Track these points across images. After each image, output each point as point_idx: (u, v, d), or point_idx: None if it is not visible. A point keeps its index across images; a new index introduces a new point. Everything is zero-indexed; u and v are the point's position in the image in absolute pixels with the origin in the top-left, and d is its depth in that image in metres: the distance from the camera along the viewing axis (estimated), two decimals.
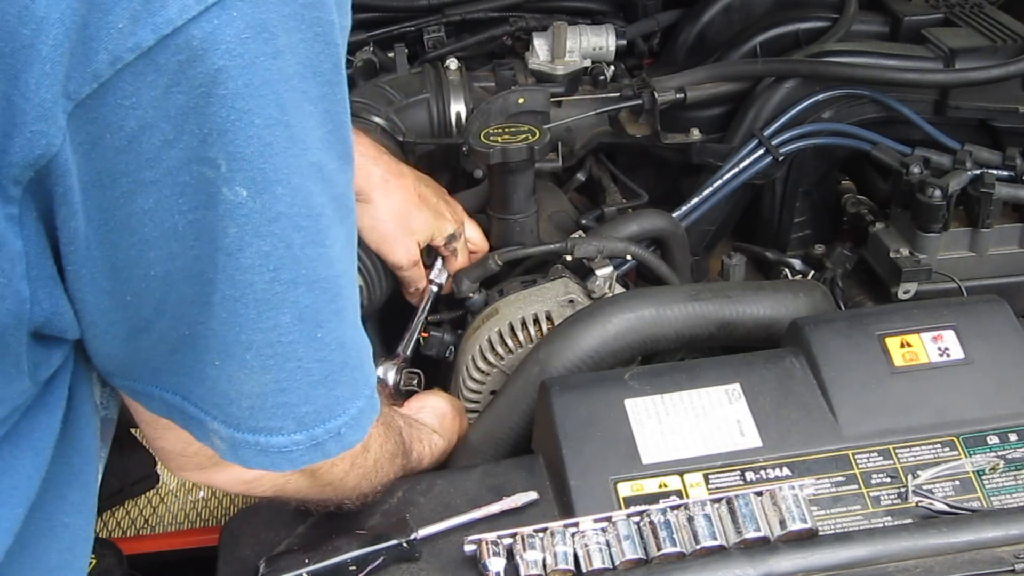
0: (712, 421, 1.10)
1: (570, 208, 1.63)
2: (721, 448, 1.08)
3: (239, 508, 1.27)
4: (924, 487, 1.04)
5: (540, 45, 1.72)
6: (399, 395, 1.35)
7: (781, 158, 1.55)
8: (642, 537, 0.96)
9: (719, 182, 1.56)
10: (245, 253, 0.69)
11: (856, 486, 1.06)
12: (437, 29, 1.84)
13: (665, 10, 1.89)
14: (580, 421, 1.09)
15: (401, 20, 1.85)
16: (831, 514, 1.04)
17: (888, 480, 1.06)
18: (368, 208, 1.31)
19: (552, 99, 1.64)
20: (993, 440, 1.09)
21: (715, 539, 0.96)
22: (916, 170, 1.46)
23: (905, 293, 1.44)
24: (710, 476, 1.06)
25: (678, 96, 1.61)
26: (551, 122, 1.60)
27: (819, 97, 1.57)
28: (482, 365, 1.33)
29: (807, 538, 0.96)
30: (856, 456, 1.08)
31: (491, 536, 0.97)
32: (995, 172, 1.46)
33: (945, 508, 1.02)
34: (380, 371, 1.34)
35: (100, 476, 0.95)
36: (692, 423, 1.09)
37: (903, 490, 1.05)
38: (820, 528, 0.98)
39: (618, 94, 1.68)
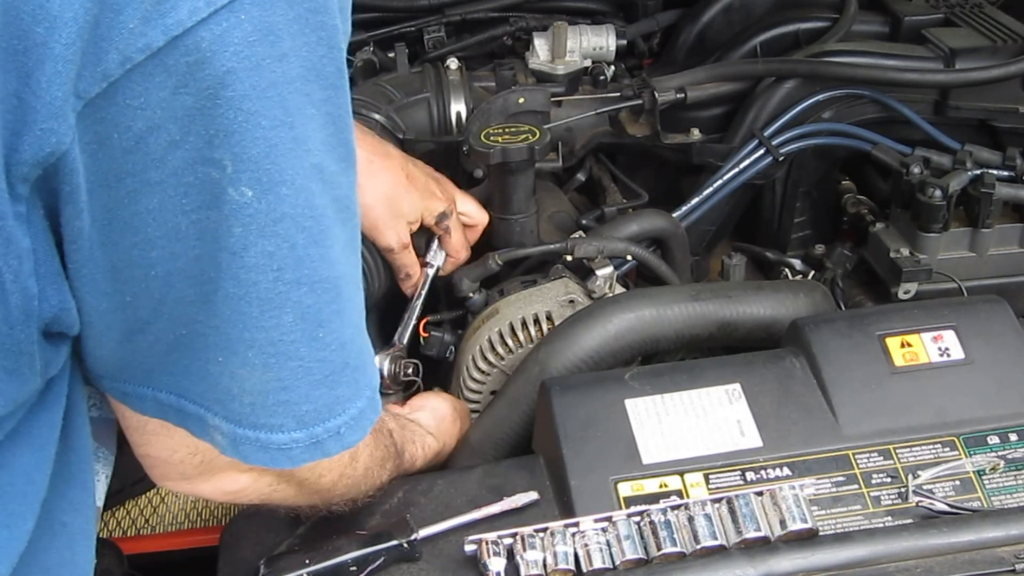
0: (712, 421, 1.10)
1: (570, 208, 1.63)
2: (721, 448, 1.08)
3: (239, 509, 1.27)
4: (924, 487, 1.04)
5: (540, 45, 1.72)
6: (396, 384, 1.34)
7: (781, 158, 1.55)
8: (642, 537, 0.96)
9: (719, 182, 1.56)
10: (250, 252, 0.69)
11: (856, 486, 1.06)
12: (437, 29, 1.84)
13: (665, 10, 1.89)
14: (580, 421, 1.09)
15: (401, 20, 1.85)
16: (831, 514, 1.04)
17: (888, 480, 1.06)
18: None
19: (552, 99, 1.64)
20: (993, 440, 1.09)
21: (715, 539, 0.95)
22: (916, 170, 1.46)
23: (905, 293, 1.44)
24: (710, 476, 1.06)
25: (678, 96, 1.61)
26: (551, 122, 1.60)
27: (819, 97, 1.57)
28: (482, 365, 1.33)
29: (807, 538, 0.96)
30: (856, 456, 1.08)
31: (491, 536, 0.97)
32: (995, 172, 1.46)
33: (945, 508, 1.02)
34: (376, 360, 1.33)
35: (105, 477, 0.95)
36: (692, 423, 1.09)
37: (903, 490, 1.05)
38: (820, 528, 0.98)
39: (618, 94, 1.68)
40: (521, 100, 1.59)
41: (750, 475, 1.06)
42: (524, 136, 1.39)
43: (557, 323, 1.29)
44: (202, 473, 0.86)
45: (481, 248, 1.47)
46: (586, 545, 0.96)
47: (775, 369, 1.15)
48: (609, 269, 1.36)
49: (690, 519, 0.97)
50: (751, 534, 0.96)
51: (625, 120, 1.69)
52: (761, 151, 1.56)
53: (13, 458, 0.76)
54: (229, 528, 1.09)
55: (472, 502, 1.06)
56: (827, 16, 1.70)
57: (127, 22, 0.62)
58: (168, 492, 1.61)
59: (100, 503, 0.95)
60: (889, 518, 1.03)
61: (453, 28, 1.86)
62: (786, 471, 1.06)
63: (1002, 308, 1.20)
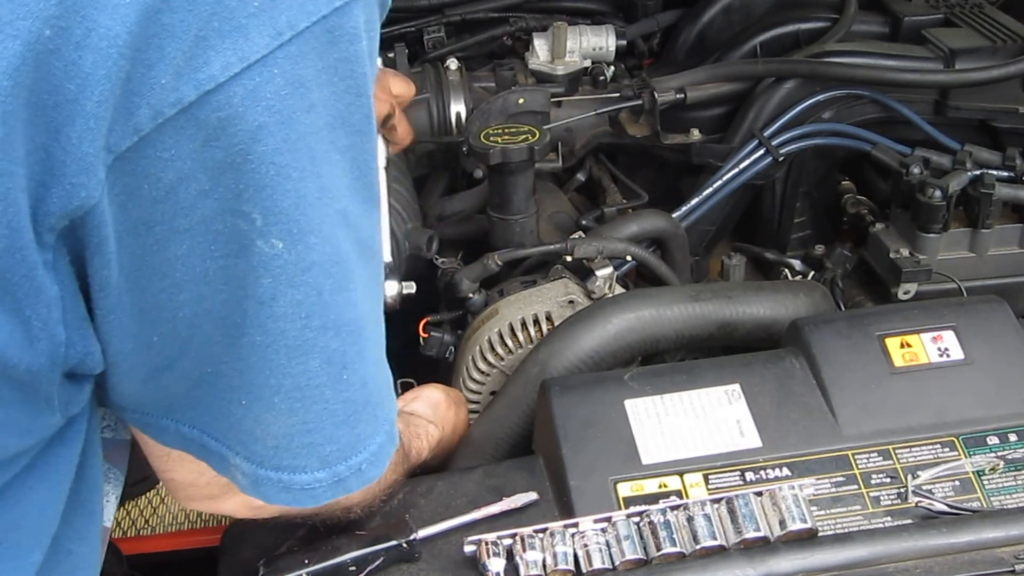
0: (712, 421, 1.10)
1: (570, 208, 1.63)
2: (721, 448, 1.08)
3: None
4: (924, 487, 1.04)
5: (540, 45, 1.72)
6: None
7: (781, 158, 1.55)
8: (642, 537, 0.96)
9: (719, 182, 1.56)
10: (279, 302, 0.70)
11: (856, 486, 1.06)
12: (437, 29, 1.84)
13: (665, 10, 1.89)
14: (580, 421, 1.09)
15: (401, 20, 1.85)
16: (831, 514, 1.04)
17: (888, 480, 1.06)
18: None
19: (552, 99, 1.64)
20: (993, 440, 1.09)
21: (715, 539, 0.95)
22: (916, 170, 1.46)
23: (905, 293, 1.44)
24: (710, 476, 1.06)
25: (678, 96, 1.61)
26: (551, 122, 1.60)
27: (819, 97, 1.57)
28: (482, 365, 1.33)
29: (807, 538, 0.96)
30: (856, 456, 1.07)
31: (491, 537, 0.97)
32: (995, 172, 1.46)
33: (945, 508, 1.02)
34: None
35: (115, 497, 0.95)
36: (692, 423, 1.09)
37: (903, 490, 1.05)
38: (820, 528, 0.98)
39: (618, 94, 1.68)
40: (521, 100, 1.59)
41: (750, 475, 1.06)
42: (524, 136, 1.39)
43: (557, 323, 1.29)
44: (226, 492, 0.86)
45: (481, 248, 1.47)
46: (586, 545, 0.95)
47: (775, 369, 1.15)
48: (609, 269, 1.36)
49: (690, 519, 0.97)
50: (751, 534, 0.96)
51: (625, 120, 1.69)
52: (761, 151, 1.56)
53: (29, 492, 0.76)
54: (230, 530, 1.09)
55: (472, 502, 1.06)
56: (827, 16, 1.70)
57: (159, 77, 0.61)
58: (168, 493, 1.61)
59: (109, 523, 0.95)
60: (889, 518, 1.03)
61: (453, 28, 1.86)
62: (786, 471, 1.06)
63: (1002, 308, 1.20)
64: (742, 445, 1.08)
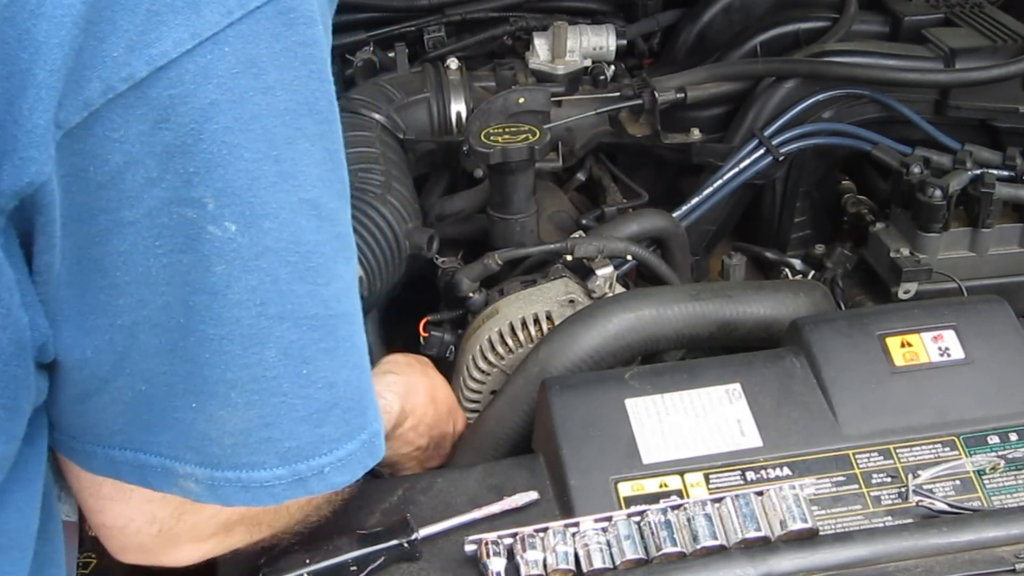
0: (712, 421, 1.10)
1: (570, 208, 1.63)
2: (721, 448, 1.08)
3: None
4: (924, 487, 1.04)
5: (540, 45, 1.72)
6: None
7: (781, 158, 1.55)
8: (642, 537, 0.96)
9: (719, 182, 1.56)
10: (233, 289, 0.68)
11: (856, 486, 1.06)
12: (437, 29, 1.84)
13: (665, 10, 1.89)
14: (580, 421, 1.09)
15: (401, 20, 1.85)
16: (831, 514, 1.04)
17: (888, 480, 1.06)
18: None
19: (552, 99, 1.64)
20: (993, 440, 1.09)
21: (715, 539, 0.95)
22: (916, 170, 1.46)
23: (905, 293, 1.44)
24: (710, 476, 1.06)
25: (678, 96, 1.61)
26: (551, 122, 1.60)
27: (819, 97, 1.57)
28: (482, 365, 1.33)
29: (807, 538, 0.96)
30: (856, 456, 1.08)
31: (491, 536, 0.97)
32: (995, 172, 1.46)
33: (945, 508, 1.02)
34: None
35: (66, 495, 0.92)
36: (692, 423, 1.09)
37: (903, 490, 1.05)
38: (820, 528, 0.98)
39: (618, 94, 1.68)
40: (521, 100, 1.59)
41: (750, 475, 1.06)
42: (524, 136, 1.39)
43: (557, 323, 1.29)
44: (162, 545, 0.83)
45: (481, 247, 1.47)
46: (586, 545, 0.95)
47: (775, 369, 1.15)
48: (609, 269, 1.36)
49: (690, 519, 0.97)
50: (751, 534, 0.96)
51: (625, 120, 1.69)
52: (761, 151, 1.56)
53: (10, 496, 0.73)
54: None
55: (472, 501, 1.06)
56: (827, 16, 1.71)
57: (111, 50, 0.61)
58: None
59: (73, 517, 0.89)
60: (889, 518, 1.03)
61: (453, 28, 1.86)
62: (786, 471, 1.06)
63: (1002, 308, 1.20)
64: (743, 444, 1.08)
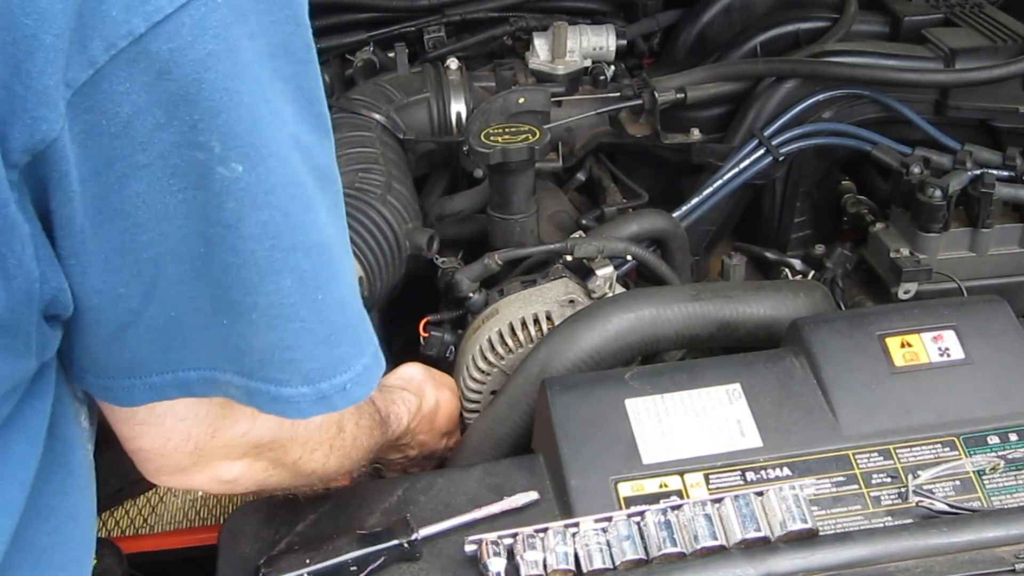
0: (712, 421, 1.10)
1: (570, 208, 1.63)
2: (721, 448, 1.08)
3: (239, 504, 1.26)
4: (924, 487, 1.04)
5: (540, 45, 1.72)
6: None
7: (781, 158, 1.55)
8: (642, 537, 0.96)
9: (719, 182, 1.56)
10: (245, 224, 0.71)
11: (856, 486, 1.06)
12: (437, 29, 1.84)
13: (665, 10, 1.89)
14: (580, 421, 1.09)
15: (401, 20, 1.85)
16: (831, 514, 1.04)
17: (888, 480, 1.06)
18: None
19: (552, 99, 1.64)
20: (993, 440, 1.09)
21: (715, 539, 0.95)
22: (916, 170, 1.46)
23: (905, 293, 1.44)
24: (710, 476, 1.06)
25: (678, 96, 1.61)
26: (551, 122, 1.60)
27: (819, 97, 1.57)
28: (482, 365, 1.33)
29: (807, 538, 0.96)
30: (856, 456, 1.08)
31: (492, 536, 0.97)
32: (995, 172, 1.46)
33: (945, 508, 1.02)
34: None
35: (90, 459, 0.94)
36: (692, 423, 1.09)
37: (903, 490, 1.05)
38: (820, 528, 0.98)
39: (618, 94, 1.68)
40: (521, 100, 1.59)
41: (750, 475, 1.06)
42: (524, 136, 1.39)
43: (557, 323, 1.29)
44: (196, 463, 0.88)
45: (481, 248, 1.47)
46: (586, 545, 0.95)
47: (775, 369, 1.15)
48: (609, 269, 1.36)
49: (690, 519, 0.97)
50: (751, 534, 0.96)
51: (625, 120, 1.69)
52: (761, 151, 1.56)
53: (8, 445, 0.77)
54: (228, 525, 1.09)
55: (472, 501, 1.06)
56: (827, 16, 1.71)
57: (110, 10, 0.64)
58: (167, 491, 1.61)
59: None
60: (889, 518, 1.03)
61: (453, 28, 1.86)
62: (786, 471, 1.06)
63: (1002, 308, 1.20)
64: (743, 445, 1.08)
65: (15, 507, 0.78)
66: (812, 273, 1.57)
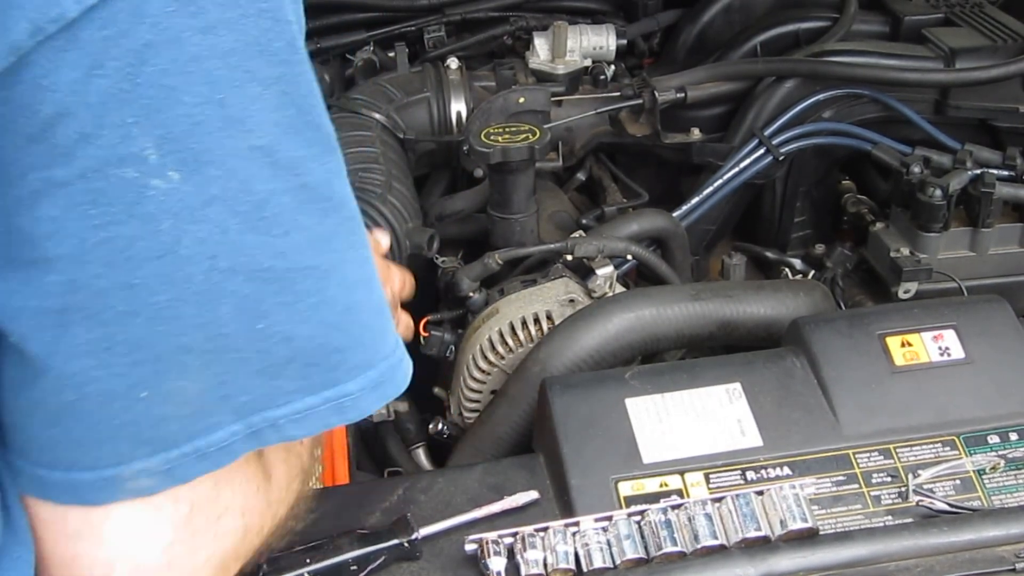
0: (713, 420, 1.10)
1: (570, 208, 1.63)
2: (722, 447, 1.08)
3: None
4: (925, 486, 1.04)
5: (540, 45, 1.72)
6: None
7: (781, 158, 1.55)
8: (643, 536, 0.96)
9: (719, 182, 1.56)
10: (182, 244, 0.64)
11: (857, 485, 1.06)
12: (437, 29, 1.84)
13: (665, 10, 1.90)
14: (580, 420, 1.09)
15: (401, 20, 1.85)
16: (832, 513, 1.04)
17: (889, 479, 1.06)
18: None
19: (552, 98, 1.64)
20: (994, 439, 1.09)
21: (715, 538, 0.95)
22: (916, 170, 1.46)
23: (905, 293, 1.44)
24: (711, 475, 1.06)
25: (678, 96, 1.62)
26: (551, 122, 1.60)
27: (819, 97, 1.57)
28: (483, 364, 1.33)
29: (808, 537, 0.96)
30: (857, 455, 1.08)
31: (492, 535, 0.97)
32: (995, 172, 1.46)
33: (946, 507, 1.02)
34: None
35: None
36: (693, 422, 1.09)
37: (904, 489, 1.05)
38: (821, 527, 0.98)
39: (618, 94, 1.68)
40: (521, 100, 1.59)
41: (750, 474, 1.06)
42: (524, 136, 1.39)
43: (557, 322, 1.29)
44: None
45: (481, 247, 1.47)
46: (586, 544, 0.95)
47: (775, 369, 1.15)
48: (609, 269, 1.36)
49: (690, 519, 0.97)
50: (751, 534, 0.96)
51: (625, 120, 1.69)
52: (761, 151, 1.56)
53: None
54: None
55: (472, 500, 1.06)
56: (827, 16, 1.71)
57: None
58: None
59: None
60: (889, 517, 1.03)
61: (453, 28, 1.86)
62: (786, 470, 1.06)
63: (1002, 308, 1.20)
64: (743, 444, 1.08)
65: None
66: (812, 273, 1.57)
